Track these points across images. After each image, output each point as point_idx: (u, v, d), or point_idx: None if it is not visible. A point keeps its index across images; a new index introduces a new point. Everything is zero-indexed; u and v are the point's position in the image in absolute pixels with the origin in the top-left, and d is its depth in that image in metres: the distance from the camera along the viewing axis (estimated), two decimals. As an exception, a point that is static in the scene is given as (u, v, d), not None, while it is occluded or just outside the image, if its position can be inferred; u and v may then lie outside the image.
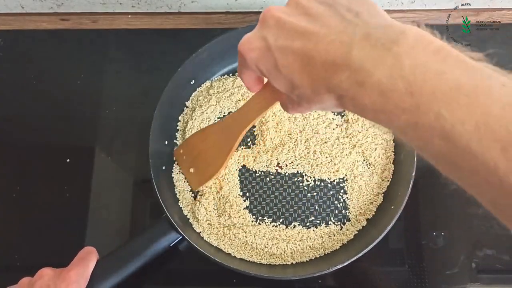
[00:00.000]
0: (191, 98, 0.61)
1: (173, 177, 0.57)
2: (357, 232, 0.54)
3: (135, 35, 0.68)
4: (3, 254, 0.57)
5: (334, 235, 0.54)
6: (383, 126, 0.26)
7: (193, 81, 0.61)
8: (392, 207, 0.52)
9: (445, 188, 0.58)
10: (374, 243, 0.49)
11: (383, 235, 0.49)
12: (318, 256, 0.53)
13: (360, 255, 0.49)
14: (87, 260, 0.47)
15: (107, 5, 0.67)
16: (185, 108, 0.61)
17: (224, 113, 0.59)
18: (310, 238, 0.54)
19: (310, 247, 0.54)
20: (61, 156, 0.61)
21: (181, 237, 0.51)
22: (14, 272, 0.57)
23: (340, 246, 0.54)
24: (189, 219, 0.55)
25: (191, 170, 0.55)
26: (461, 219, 0.57)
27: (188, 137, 0.56)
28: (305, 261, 0.53)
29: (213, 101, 0.59)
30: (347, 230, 0.54)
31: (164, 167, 0.57)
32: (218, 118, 0.59)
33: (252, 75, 0.35)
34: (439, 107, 0.22)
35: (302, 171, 0.57)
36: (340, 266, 0.49)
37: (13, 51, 0.68)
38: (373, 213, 0.55)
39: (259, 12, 0.67)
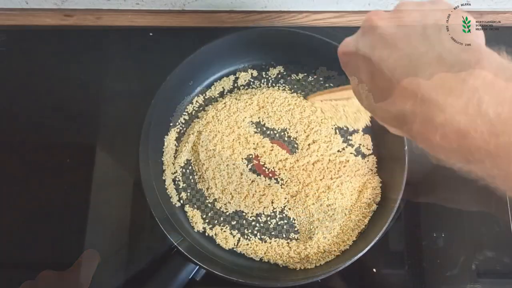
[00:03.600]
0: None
1: (186, 211, 0.57)
2: (356, 236, 0.54)
3: (138, 32, 0.68)
4: (4, 253, 0.57)
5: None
6: (453, 164, 0.23)
7: (192, 81, 0.61)
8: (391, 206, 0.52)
9: (445, 189, 0.58)
10: (372, 243, 0.49)
11: (380, 234, 0.49)
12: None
13: (360, 255, 0.49)
14: (89, 263, 0.46)
15: (111, 2, 0.67)
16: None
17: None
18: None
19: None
20: (61, 154, 0.61)
21: (197, 267, 0.50)
22: (14, 270, 0.57)
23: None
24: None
25: None
26: (461, 220, 0.57)
27: None
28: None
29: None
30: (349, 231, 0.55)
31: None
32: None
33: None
34: None
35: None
36: (341, 268, 0.49)
37: (17, 47, 0.68)
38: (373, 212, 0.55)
39: (262, 12, 0.68)
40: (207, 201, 0.56)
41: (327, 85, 0.61)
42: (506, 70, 0.21)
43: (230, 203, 0.55)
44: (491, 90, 0.21)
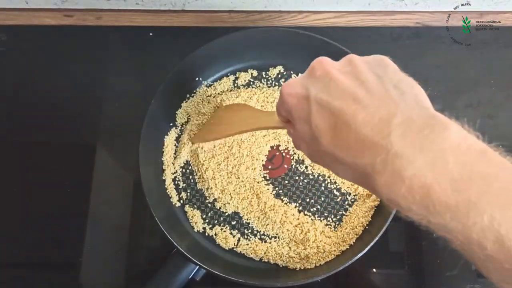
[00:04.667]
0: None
1: (186, 211, 0.57)
2: (356, 236, 0.54)
3: (138, 32, 0.68)
4: (4, 253, 0.57)
5: (330, 237, 0.54)
6: (416, 219, 0.25)
7: (192, 81, 0.61)
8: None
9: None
10: (372, 243, 0.49)
11: (380, 234, 0.49)
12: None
13: (360, 255, 0.49)
14: None
15: (111, 2, 0.67)
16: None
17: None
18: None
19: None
20: (61, 154, 0.61)
21: (197, 267, 0.50)
22: (14, 270, 0.57)
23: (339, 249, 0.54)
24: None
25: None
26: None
27: (225, 106, 0.58)
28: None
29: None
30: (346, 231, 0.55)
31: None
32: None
33: (282, 115, 0.35)
34: (491, 209, 0.22)
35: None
36: (341, 268, 0.49)
37: (17, 46, 0.68)
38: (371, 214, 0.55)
39: (262, 12, 0.68)
40: (207, 201, 0.56)
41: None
42: (468, 137, 0.24)
43: (229, 203, 0.55)
44: (456, 153, 0.23)
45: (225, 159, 0.57)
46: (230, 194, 0.55)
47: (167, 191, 0.57)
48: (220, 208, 0.56)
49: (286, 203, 0.56)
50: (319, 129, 0.28)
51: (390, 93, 0.27)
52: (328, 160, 0.29)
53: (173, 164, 0.58)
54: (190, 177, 0.58)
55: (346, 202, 0.56)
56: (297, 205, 0.56)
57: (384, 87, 0.27)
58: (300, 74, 0.61)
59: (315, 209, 0.55)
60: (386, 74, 0.28)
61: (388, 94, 0.27)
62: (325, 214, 0.55)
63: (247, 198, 0.55)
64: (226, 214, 0.56)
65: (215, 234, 0.55)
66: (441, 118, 0.25)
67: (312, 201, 0.56)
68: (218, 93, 0.62)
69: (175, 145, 0.59)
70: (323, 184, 0.56)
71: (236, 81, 0.62)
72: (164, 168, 0.58)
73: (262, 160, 0.57)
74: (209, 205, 0.56)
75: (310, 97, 0.29)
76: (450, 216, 0.23)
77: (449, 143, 0.24)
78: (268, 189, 0.56)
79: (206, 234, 0.55)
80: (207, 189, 0.56)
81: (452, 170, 0.23)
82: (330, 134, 0.27)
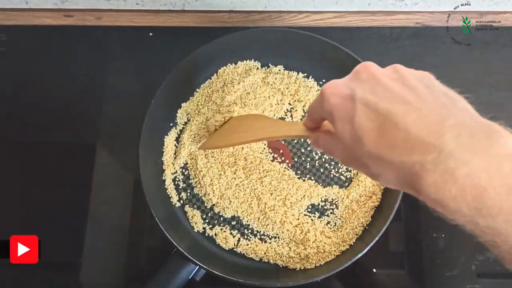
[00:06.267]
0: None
1: (186, 211, 0.57)
2: (356, 236, 0.54)
3: (138, 32, 0.68)
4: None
5: (330, 237, 0.54)
6: (461, 222, 0.25)
7: (191, 82, 0.61)
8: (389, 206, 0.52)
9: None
10: (372, 243, 0.49)
11: (380, 235, 0.49)
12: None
13: (360, 255, 0.49)
14: None
15: (111, 2, 0.67)
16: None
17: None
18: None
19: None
20: (61, 154, 0.61)
21: (197, 267, 0.50)
22: (15, 268, 0.57)
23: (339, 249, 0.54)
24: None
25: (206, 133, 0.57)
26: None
27: (240, 115, 0.57)
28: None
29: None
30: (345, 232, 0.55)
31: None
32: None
33: (319, 116, 0.34)
34: None
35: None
36: (341, 268, 0.49)
37: (17, 46, 0.68)
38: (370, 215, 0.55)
39: (262, 12, 0.68)
40: (205, 204, 0.56)
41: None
42: None
43: (228, 207, 0.55)
44: (511, 160, 0.23)
45: (225, 167, 0.57)
46: (229, 199, 0.55)
47: (167, 191, 0.57)
48: (219, 212, 0.56)
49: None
50: (363, 129, 0.28)
51: (441, 99, 0.27)
52: (369, 161, 0.29)
53: (173, 164, 0.58)
54: (190, 177, 0.58)
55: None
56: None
57: (434, 94, 0.27)
58: (300, 74, 0.62)
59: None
60: (433, 85, 0.29)
61: (439, 100, 0.27)
62: (326, 214, 0.55)
63: (247, 201, 0.55)
64: (226, 216, 0.56)
65: (215, 234, 0.55)
66: (495, 126, 0.25)
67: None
68: (218, 93, 0.62)
69: (175, 145, 0.59)
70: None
71: (236, 81, 0.62)
72: (164, 168, 0.58)
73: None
74: (208, 206, 0.56)
75: (356, 97, 0.29)
76: (503, 218, 0.23)
77: (506, 151, 0.24)
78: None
79: (206, 234, 0.55)
80: (205, 194, 0.56)
81: (508, 176, 0.23)
82: (374, 134, 0.27)
